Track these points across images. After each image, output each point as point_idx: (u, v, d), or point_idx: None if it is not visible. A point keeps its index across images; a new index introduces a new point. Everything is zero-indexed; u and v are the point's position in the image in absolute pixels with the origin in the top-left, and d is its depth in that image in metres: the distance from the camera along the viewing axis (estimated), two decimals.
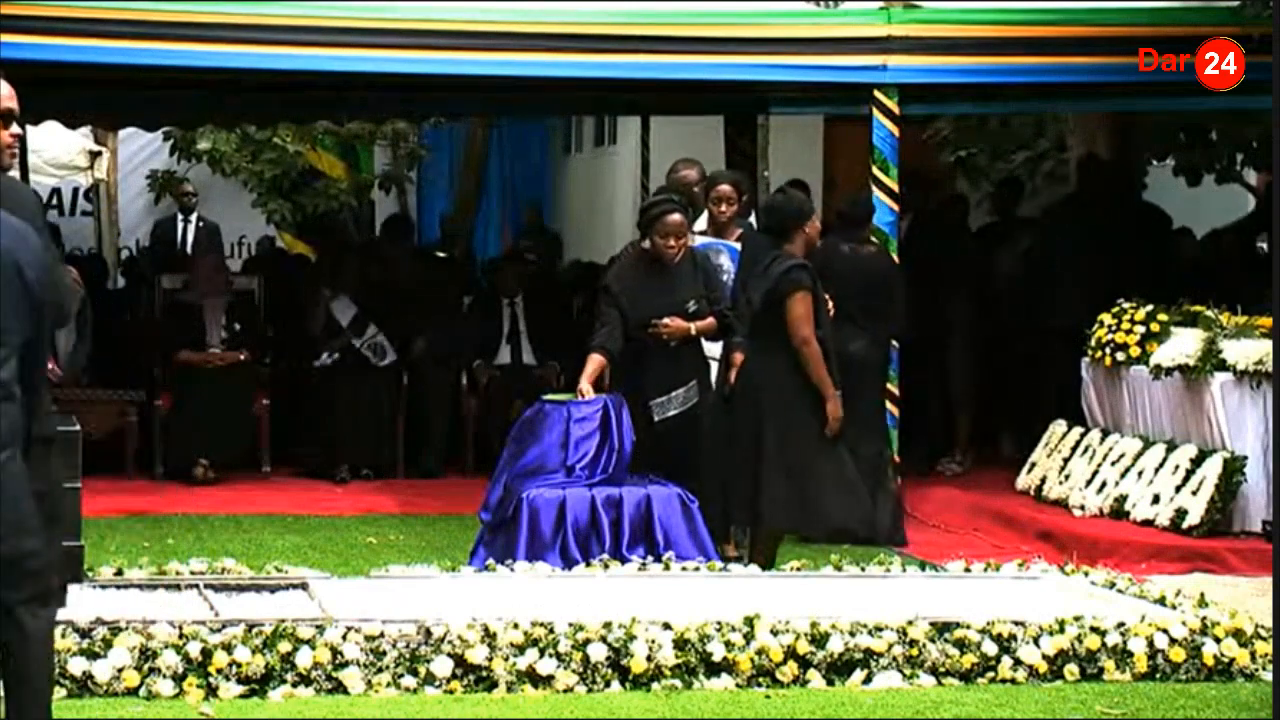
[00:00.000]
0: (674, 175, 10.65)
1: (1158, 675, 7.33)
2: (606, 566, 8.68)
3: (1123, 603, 8.08)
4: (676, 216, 9.62)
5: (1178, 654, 7.38)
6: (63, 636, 6.74)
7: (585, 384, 9.39)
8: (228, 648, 6.81)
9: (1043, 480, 11.67)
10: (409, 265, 14.71)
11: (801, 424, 9.13)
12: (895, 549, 10.17)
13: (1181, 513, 10.32)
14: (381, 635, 6.98)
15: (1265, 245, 15.04)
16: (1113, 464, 11.06)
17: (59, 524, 5.43)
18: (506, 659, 6.93)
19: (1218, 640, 7.44)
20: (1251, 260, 14.84)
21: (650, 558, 8.87)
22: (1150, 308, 11.18)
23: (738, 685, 7.03)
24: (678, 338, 9.60)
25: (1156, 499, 10.56)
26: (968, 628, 7.34)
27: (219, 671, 6.74)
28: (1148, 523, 10.53)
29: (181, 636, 6.85)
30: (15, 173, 5.56)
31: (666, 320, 9.56)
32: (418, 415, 13.52)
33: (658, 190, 10.62)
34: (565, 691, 6.90)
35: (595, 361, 9.50)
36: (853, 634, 7.23)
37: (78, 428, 6.80)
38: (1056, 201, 14.71)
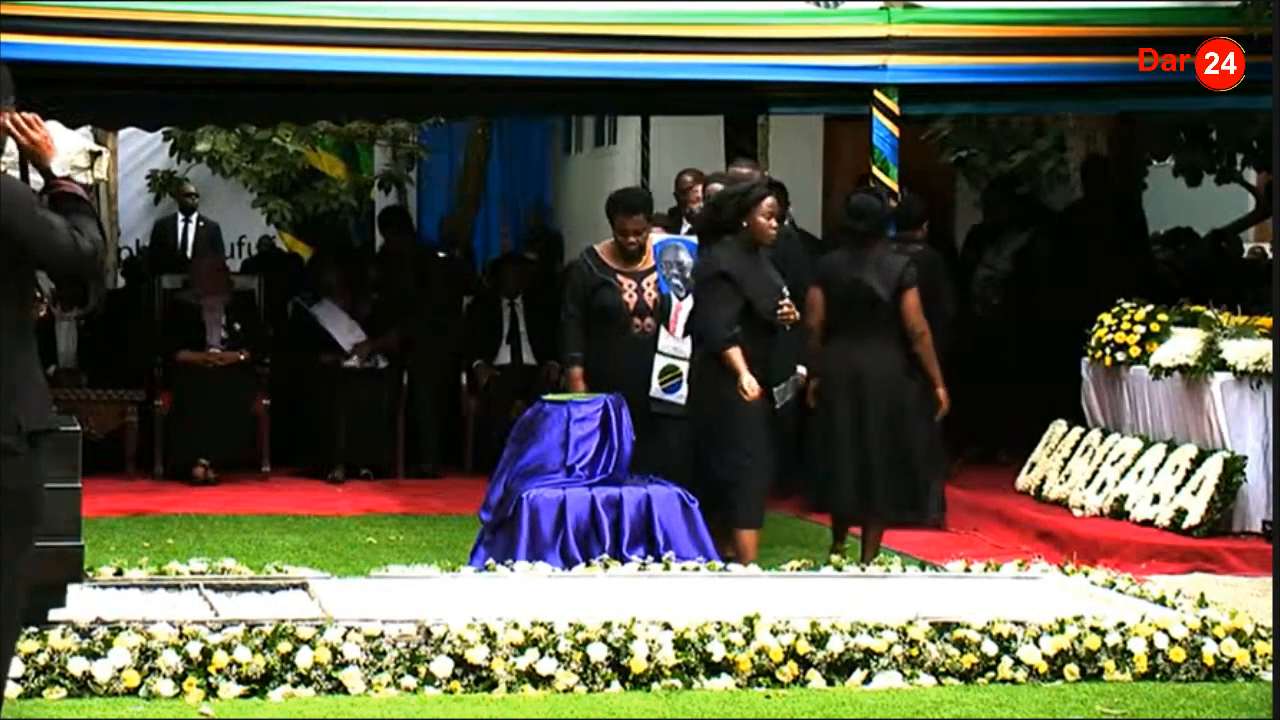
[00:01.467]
0: (735, 171, 10.60)
1: (1158, 675, 7.33)
2: (606, 566, 8.68)
3: (1123, 603, 8.08)
4: (773, 199, 9.69)
5: (1178, 654, 7.38)
6: (63, 636, 6.75)
7: (753, 381, 9.16)
8: (228, 648, 6.80)
9: (1043, 480, 11.66)
10: (408, 264, 14.69)
11: (913, 414, 9.58)
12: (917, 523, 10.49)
13: (1181, 513, 10.32)
14: (381, 635, 6.98)
15: (1266, 246, 15.04)
16: (1113, 464, 11.05)
17: (37, 525, 5.22)
18: (506, 659, 6.93)
19: (1218, 640, 7.44)
20: (1244, 262, 14.84)
21: (650, 558, 8.88)
22: (1150, 308, 11.17)
23: (738, 685, 7.03)
24: (792, 321, 9.52)
25: (1156, 499, 10.56)
26: (968, 628, 7.34)
27: (219, 671, 6.74)
28: (1148, 523, 10.53)
29: (181, 636, 6.84)
30: (15, 171, 5.52)
31: (789, 302, 9.47)
32: (417, 415, 13.52)
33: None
34: (565, 691, 6.90)
35: (740, 355, 9.25)
36: (853, 634, 7.23)
37: (78, 428, 6.79)
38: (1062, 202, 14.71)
